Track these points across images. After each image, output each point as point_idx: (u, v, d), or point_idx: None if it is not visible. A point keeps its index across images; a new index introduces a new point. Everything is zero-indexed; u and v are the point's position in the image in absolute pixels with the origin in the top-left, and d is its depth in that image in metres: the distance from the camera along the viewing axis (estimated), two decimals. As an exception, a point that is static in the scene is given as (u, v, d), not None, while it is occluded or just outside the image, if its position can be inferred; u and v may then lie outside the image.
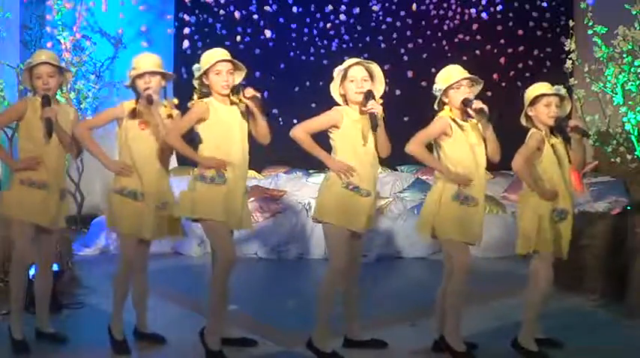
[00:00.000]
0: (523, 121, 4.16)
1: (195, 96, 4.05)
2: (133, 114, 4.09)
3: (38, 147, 4.12)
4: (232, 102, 4.03)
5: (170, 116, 4.15)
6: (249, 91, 3.97)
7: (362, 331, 4.22)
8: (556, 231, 4.00)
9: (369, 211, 4.03)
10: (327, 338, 3.99)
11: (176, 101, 4.25)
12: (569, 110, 4.18)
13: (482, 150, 4.01)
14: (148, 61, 4.16)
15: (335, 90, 4.05)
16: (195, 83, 4.08)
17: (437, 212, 3.99)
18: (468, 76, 4.01)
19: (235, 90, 3.99)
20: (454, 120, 3.99)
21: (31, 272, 4.71)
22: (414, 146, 3.99)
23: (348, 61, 4.02)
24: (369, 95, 3.91)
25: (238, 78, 4.09)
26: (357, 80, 3.96)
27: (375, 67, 4.03)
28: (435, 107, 4.06)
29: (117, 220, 4.12)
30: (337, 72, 4.01)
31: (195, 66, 4.07)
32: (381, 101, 3.98)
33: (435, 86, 4.05)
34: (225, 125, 4.00)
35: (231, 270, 3.97)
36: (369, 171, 4.02)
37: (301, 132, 4.01)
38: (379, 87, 4.05)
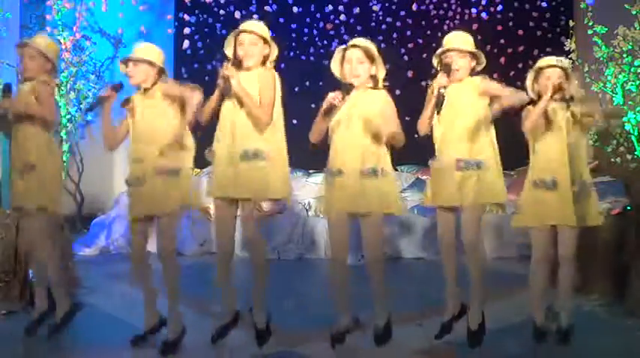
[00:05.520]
0: (532, 95, 4.11)
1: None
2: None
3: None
4: None
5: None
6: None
7: (362, 331, 4.21)
8: (538, 201, 4.01)
9: (342, 191, 3.92)
10: None
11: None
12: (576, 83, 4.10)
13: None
14: (136, 48, 4.20)
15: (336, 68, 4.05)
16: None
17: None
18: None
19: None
20: None
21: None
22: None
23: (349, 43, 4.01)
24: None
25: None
26: (353, 62, 3.95)
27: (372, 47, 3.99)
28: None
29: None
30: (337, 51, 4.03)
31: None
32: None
33: None
34: None
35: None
36: (346, 151, 3.93)
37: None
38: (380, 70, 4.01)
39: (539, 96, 4.02)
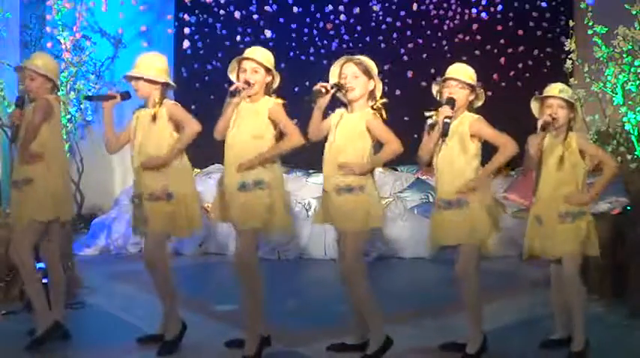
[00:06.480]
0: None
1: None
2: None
3: None
4: None
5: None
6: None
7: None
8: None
9: (325, 205, 3.98)
10: None
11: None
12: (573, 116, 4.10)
13: None
14: (137, 61, 4.14)
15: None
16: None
17: None
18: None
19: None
20: None
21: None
22: None
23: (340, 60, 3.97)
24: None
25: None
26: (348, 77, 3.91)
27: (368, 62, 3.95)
28: None
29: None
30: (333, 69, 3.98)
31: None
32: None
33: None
34: None
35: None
36: (326, 168, 3.95)
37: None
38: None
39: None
